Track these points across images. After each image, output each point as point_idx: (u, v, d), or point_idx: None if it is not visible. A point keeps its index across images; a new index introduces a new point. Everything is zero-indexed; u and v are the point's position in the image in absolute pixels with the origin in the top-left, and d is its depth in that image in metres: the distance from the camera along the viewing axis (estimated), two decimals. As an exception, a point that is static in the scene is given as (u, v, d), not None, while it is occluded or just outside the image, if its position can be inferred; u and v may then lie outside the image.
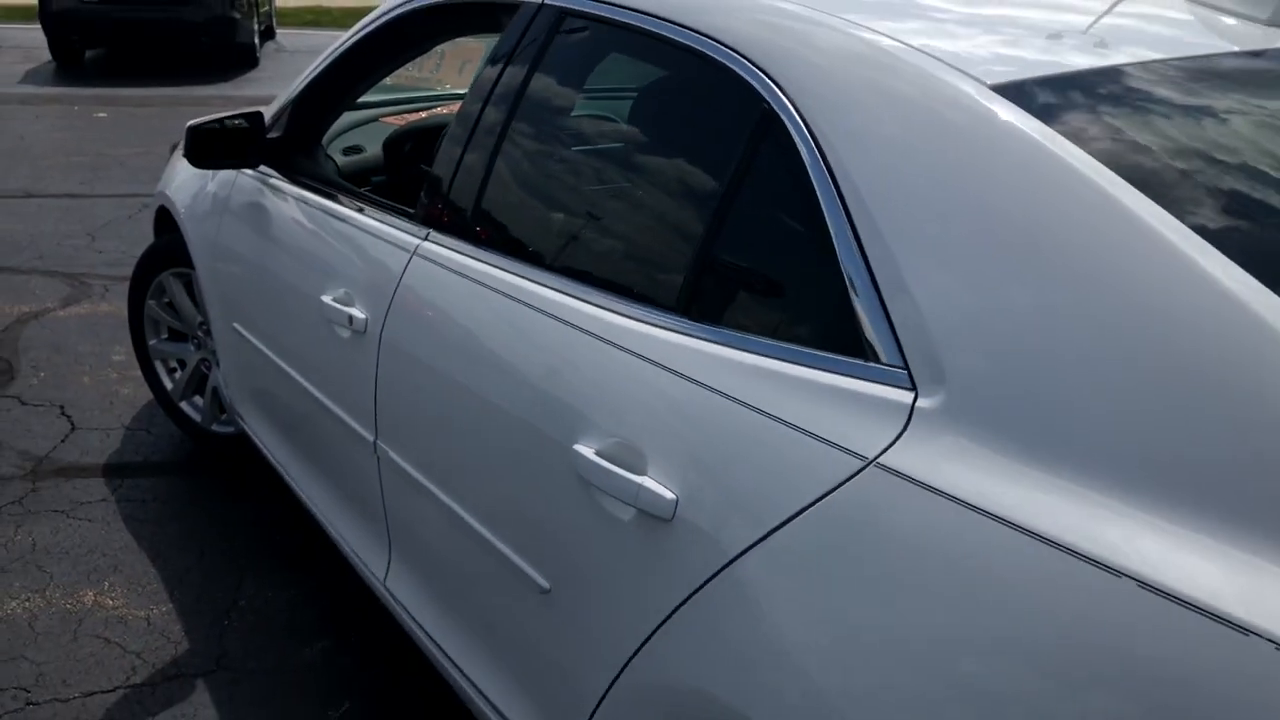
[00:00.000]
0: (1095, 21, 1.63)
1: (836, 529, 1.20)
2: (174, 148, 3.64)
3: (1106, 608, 0.97)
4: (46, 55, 11.75)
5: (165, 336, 3.59)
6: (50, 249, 5.55)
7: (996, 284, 1.17)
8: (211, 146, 2.66)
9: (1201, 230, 1.11)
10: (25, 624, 2.70)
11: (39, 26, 11.35)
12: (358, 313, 2.15)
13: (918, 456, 1.16)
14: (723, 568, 1.30)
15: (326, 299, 2.25)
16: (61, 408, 3.85)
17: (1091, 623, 0.98)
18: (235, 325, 2.89)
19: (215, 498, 3.32)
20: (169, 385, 3.59)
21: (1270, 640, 0.89)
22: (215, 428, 3.53)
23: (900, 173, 1.29)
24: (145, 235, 4.14)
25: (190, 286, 3.41)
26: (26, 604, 2.78)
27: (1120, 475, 1.03)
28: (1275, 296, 1.04)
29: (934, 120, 1.30)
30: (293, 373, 2.52)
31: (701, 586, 1.32)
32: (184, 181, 3.26)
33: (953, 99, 1.30)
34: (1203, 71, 1.47)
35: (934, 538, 1.11)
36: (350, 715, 2.44)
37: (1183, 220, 1.12)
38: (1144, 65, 1.44)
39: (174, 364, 3.60)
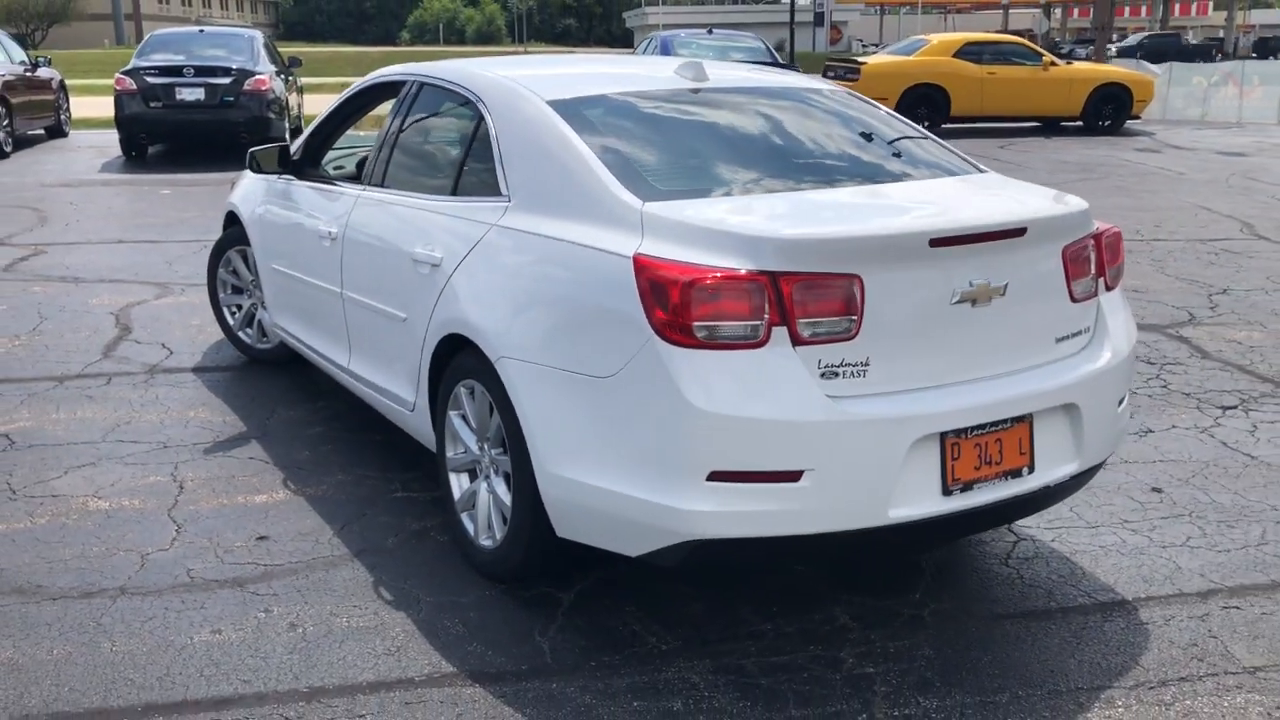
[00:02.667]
0: (602, 75, 3.99)
1: (485, 248, 3.50)
2: (233, 184, 6.02)
3: (554, 251, 3.21)
4: (116, 151, 14.37)
5: (229, 291, 5.93)
6: (142, 270, 7.95)
7: (530, 167, 3.48)
8: (260, 163, 5.02)
9: (597, 148, 3.40)
10: (159, 422, 4.99)
11: (104, 130, 13.99)
12: (334, 229, 4.48)
13: (507, 221, 3.46)
14: (453, 271, 3.59)
15: (319, 228, 4.59)
16: (163, 344, 6.19)
17: (550, 260, 3.23)
18: (273, 265, 5.22)
19: (258, 380, 5.62)
20: (231, 322, 5.93)
21: (602, 250, 3.10)
22: (259, 346, 5.84)
23: (514, 132, 3.61)
24: (206, 261, 6.48)
25: (245, 258, 5.75)
26: (158, 417, 5.07)
27: (557, 211, 3.31)
28: (608, 170, 3.29)
29: (524, 114, 3.62)
30: (302, 275, 4.84)
31: (448, 280, 3.61)
32: (242, 193, 5.63)
33: (533, 105, 3.63)
34: (650, 95, 3.79)
35: (508, 245, 3.40)
36: (334, 450, 4.69)
37: (589, 145, 3.40)
38: (620, 94, 3.76)
39: (234, 308, 5.93)
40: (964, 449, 3.03)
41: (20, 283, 7.61)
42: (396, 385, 4.08)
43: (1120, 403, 3.43)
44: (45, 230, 9.49)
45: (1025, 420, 3.13)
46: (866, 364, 2.92)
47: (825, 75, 18.69)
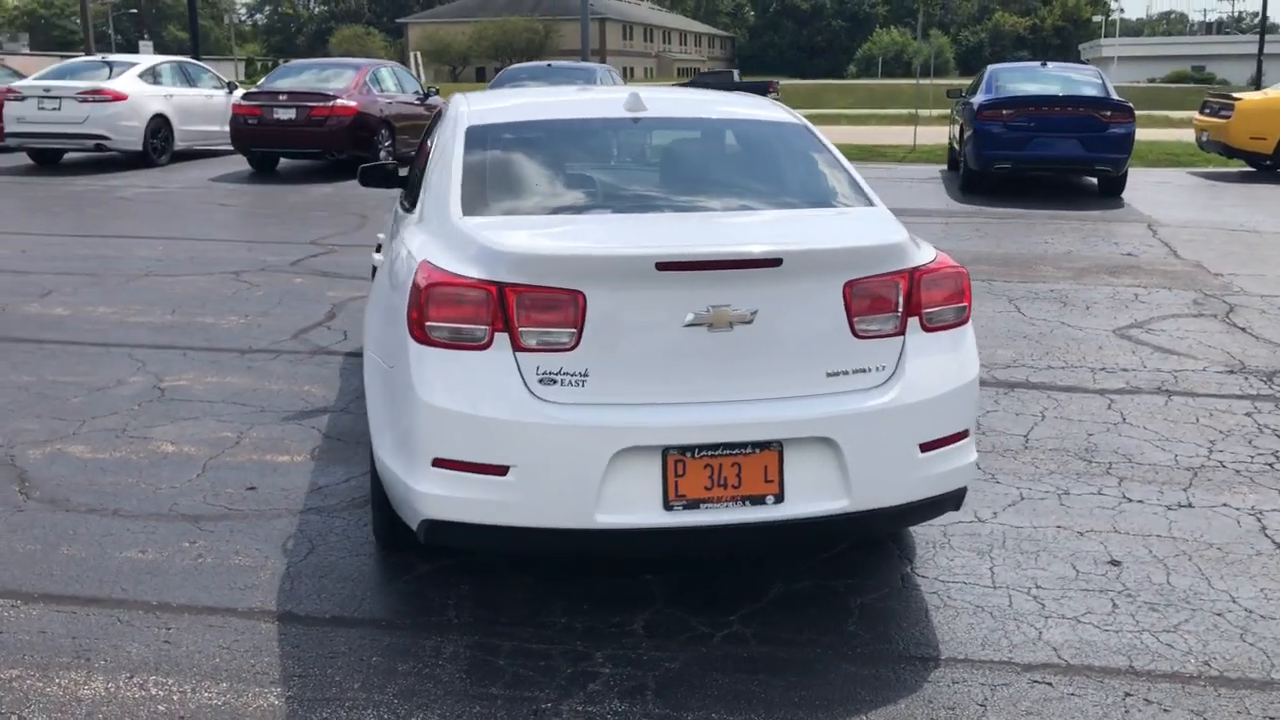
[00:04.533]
0: (556, 104, 4.29)
1: (388, 256, 3.98)
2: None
3: (400, 257, 3.64)
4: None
5: (387, 290, 6.80)
6: (392, 271, 9.15)
7: (431, 183, 3.91)
8: (370, 178, 5.80)
9: (474, 168, 3.78)
10: (274, 392, 5.91)
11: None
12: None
13: (405, 232, 3.92)
14: (378, 278, 4.10)
15: (387, 240, 5.27)
16: (345, 331, 7.19)
17: (395, 265, 3.67)
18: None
19: (387, 366, 6.43)
20: (387, 316, 6.80)
21: (410, 255, 3.54)
22: (403, 338, 6.66)
23: (437, 153, 4.06)
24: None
25: (395, 261, 6.60)
26: (279, 388, 5.99)
27: (424, 222, 3.73)
28: (460, 187, 3.67)
29: (448, 136, 4.05)
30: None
31: (374, 285, 4.13)
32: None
33: (457, 128, 4.05)
34: (579, 125, 4.08)
35: (394, 252, 3.87)
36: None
37: (470, 165, 3.79)
38: (547, 120, 4.08)
39: (389, 304, 6.80)
40: (690, 467, 3.10)
41: (292, 274, 9.03)
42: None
43: (931, 449, 3.28)
44: (356, 233, 11.07)
45: (772, 448, 3.13)
46: (585, 375, 3.09)
47: (1202, 111, 17.13)
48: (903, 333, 3.28)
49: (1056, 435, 5.26)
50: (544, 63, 16.19)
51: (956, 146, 15.35)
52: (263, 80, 17.13)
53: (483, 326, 3.11)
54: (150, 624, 3.50)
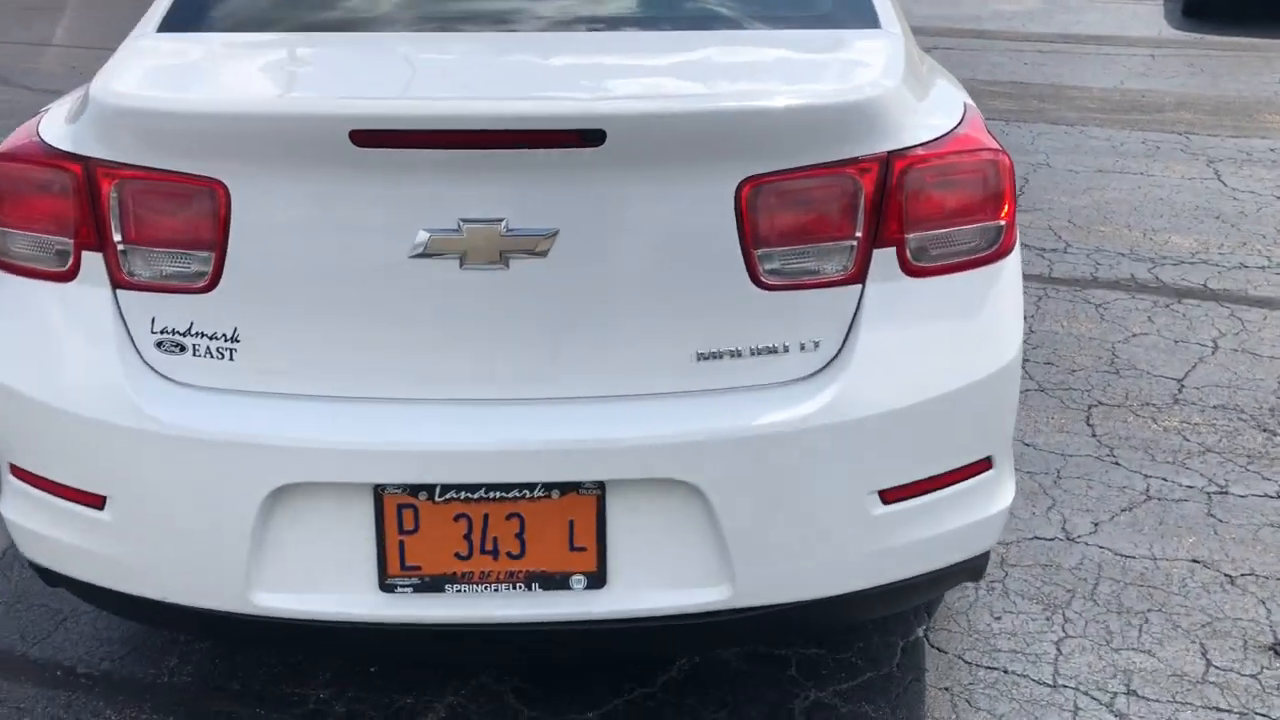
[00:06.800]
0: None
1: None
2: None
3: None
4: None
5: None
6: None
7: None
8: None
9: None
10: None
11: None
12: None
13: None
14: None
15: None
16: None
17: None
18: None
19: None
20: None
21: None
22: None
23: None
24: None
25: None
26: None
27: None
28: None
29: None
30: None
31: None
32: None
33: None
34: None
35: None
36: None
37: None
38: None
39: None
40: (428, 519, 1.66)
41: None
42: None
43: (900, 499, 1.72)
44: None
45: (585, 491, 1.65)
46: (234, 339, 1.67)
47: None
48: (860, 278, 1.68)
49: (1230, 381, 3.53)
50: None
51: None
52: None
53: (62, 239, 1.71)
54: None
